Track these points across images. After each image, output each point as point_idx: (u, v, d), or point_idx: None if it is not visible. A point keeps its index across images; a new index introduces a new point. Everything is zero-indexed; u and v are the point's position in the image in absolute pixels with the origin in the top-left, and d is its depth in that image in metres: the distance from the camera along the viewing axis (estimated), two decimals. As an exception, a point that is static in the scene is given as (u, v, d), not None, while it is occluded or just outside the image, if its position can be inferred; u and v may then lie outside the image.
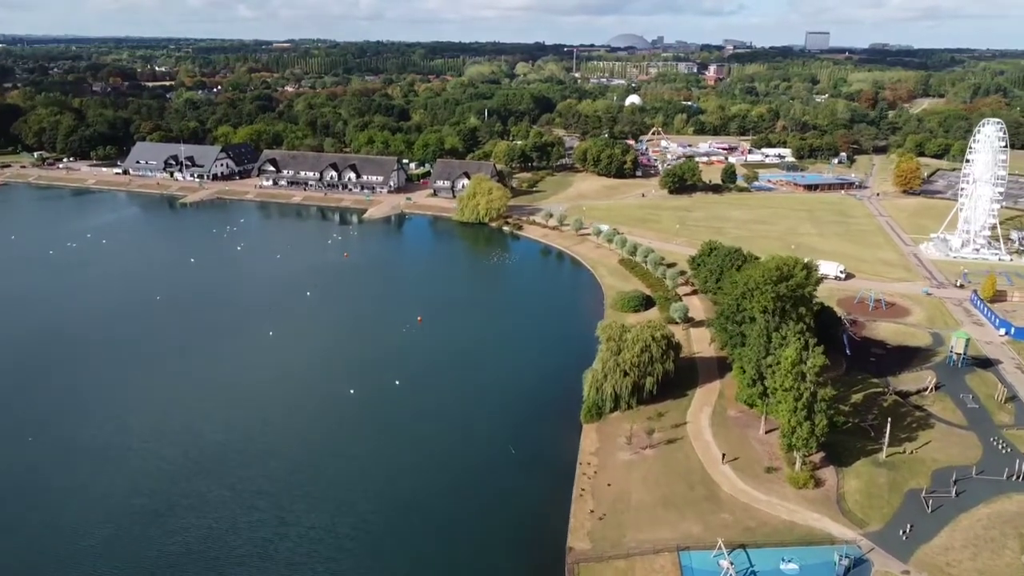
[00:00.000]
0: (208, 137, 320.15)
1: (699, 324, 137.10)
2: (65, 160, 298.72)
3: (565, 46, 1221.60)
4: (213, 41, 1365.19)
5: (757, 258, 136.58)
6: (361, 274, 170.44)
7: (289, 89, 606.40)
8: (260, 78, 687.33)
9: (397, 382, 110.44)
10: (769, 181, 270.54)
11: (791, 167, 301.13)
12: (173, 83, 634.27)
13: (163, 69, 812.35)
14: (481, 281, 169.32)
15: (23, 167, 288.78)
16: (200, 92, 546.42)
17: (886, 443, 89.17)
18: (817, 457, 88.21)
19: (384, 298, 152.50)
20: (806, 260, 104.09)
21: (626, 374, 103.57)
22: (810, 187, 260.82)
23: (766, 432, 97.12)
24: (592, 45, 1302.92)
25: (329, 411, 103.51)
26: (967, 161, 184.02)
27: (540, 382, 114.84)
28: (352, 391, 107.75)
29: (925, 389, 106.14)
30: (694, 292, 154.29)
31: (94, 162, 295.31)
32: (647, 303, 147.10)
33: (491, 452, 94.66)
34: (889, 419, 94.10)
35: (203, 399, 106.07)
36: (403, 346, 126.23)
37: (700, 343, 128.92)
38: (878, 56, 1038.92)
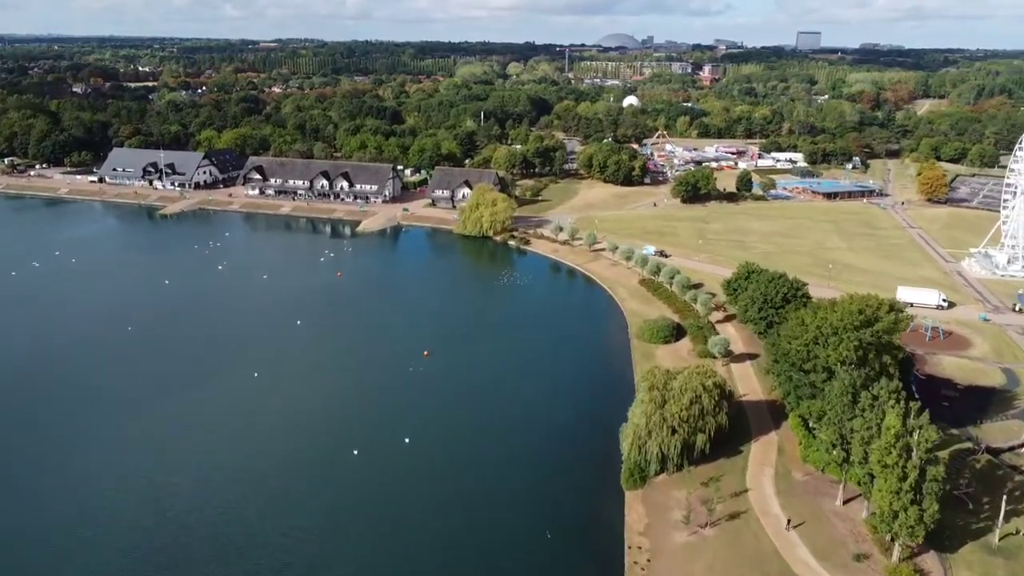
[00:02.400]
0: (191, 142, 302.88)
1: (740, 358, 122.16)
2: (37, 167, 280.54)
3: (556, 46, 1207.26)
4: (199, 40, 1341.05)
5: (804, 284, 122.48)
6: (357, 297, 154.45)
7: (276, 90, 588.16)
8: (247, 78, 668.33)
9: (407, 439, 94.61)
10: (785, 189, 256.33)
11: (805, 173, 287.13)
12: (157, 83, 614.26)
13: (147, 69, 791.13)
14: (490, 305, 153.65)
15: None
16: (184, 93, 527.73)
17: (1000, 523, 74.37)
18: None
19: (385, 327, 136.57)
20: (894, 298, 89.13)
21: (674, 431, 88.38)
22: (829, 195, 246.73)
23: (844, 503, 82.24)
24: (583, 45, 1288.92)
25: (328, 479, 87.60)
26: (1011, 171, 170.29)
27: (568, 433, 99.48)
28: (356, 452, 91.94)
29: (1021, 445, 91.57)
30: (727, 318, 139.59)
31: (68, 169, 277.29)
32: (677, 332, 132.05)
33: (518, 526, 79.39)
34: (990, 487, 79.56)
35: (172, 464, 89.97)
36: (410, 389, 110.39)
37: (745, 382, 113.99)
38: (870, 56, 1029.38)
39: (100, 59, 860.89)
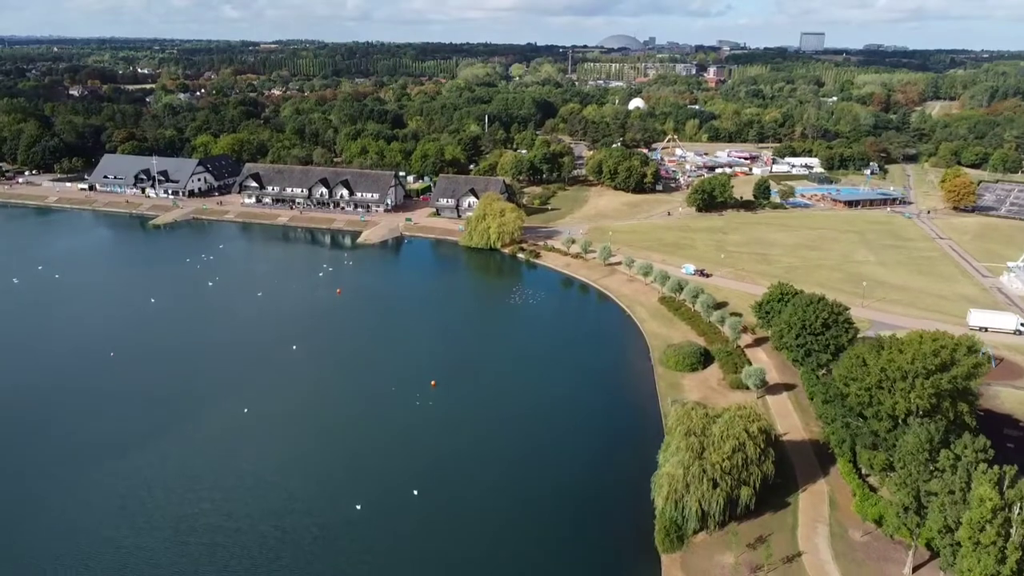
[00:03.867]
0: (186, 147, 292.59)
1: (775, 389, 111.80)
2: (26, 174, 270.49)
3: (559, 47, 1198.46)
4: (199, 42, 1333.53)
5: (845, 308, 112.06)
6: (358, 317, 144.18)
7: (276, 92, 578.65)
8: (246, 80, 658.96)
9: (415, 491, 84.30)
10: (803, 196, 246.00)
11: (822, 179, 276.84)
12: (155, 86, 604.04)
13: (146, 71, 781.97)
14: (500, 327, 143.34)
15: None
16: (183, 95, 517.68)
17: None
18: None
19: (388, 352, 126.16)
20: (971, 336, 78.65)
21: (715, 484, 78.13)
22: (850, 203, 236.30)
23: (914, 569, 71.95)
24: (585, 46, 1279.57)
25: (327, 542, 77.28)
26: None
27: (591, 481, 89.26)
28: (359, 507, 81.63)
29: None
30: (756, 341, 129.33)
31: (58, 176, 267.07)
32: (704, 358, 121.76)
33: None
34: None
35: (142, 524, 79.81)
36: (417, 427, 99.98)
37: (784, 418, 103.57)
38: (875, 57, 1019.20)
39: (99, 61, 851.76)
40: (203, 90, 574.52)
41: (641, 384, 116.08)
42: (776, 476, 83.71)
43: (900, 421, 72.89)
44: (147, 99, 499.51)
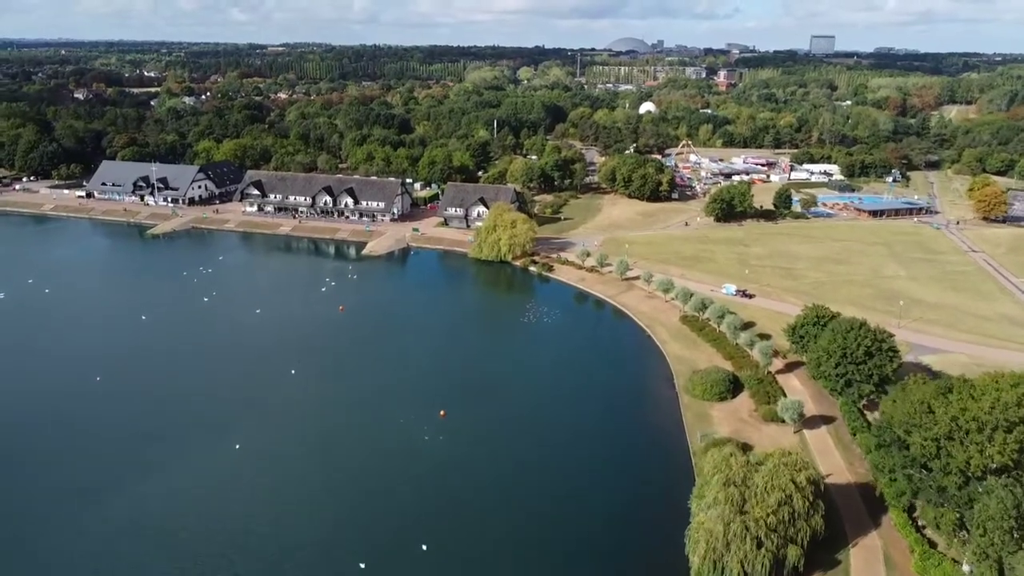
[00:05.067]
0: (188, 153, 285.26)
1: (812, 422, 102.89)
2: (24, 180, 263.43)
3: (567, 50, 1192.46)
4: (206, 45, 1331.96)
5: (889, 336, 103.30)
6: (361, 337, 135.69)
7: (282, 96, 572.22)
8: (252, 84, 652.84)
9: (424, 546, 75.80)
10: (825, 205, 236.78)
11: (843, 187, 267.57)
12: (160, 89, 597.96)
13: (152, 74, 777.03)
14: (513, 348, 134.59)
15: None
16: (188, 99, 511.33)
17: None
18: None
19: (393, 378, 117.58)
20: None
21: (760, 543, 69.45)
22: (875, 213, 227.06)
23: (989, 648, 63.05)
24: (593, 49, 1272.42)
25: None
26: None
27: (616, 529, 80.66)
28: (362, 565, 73.16)
29: None
30: (788, 366, 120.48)
31: (56, 183, 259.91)
32: (734, 386, 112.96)
33: None
34: None
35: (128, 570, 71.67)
36: (425, 469, 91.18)
37: (824, 457, 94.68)
38: (886, 60, 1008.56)
39: (106, 64, 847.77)
40: (208, 93, 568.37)
41: (666, 415, 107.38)
42: (824, 528, 75.08)
43: (969, 478, 64.17)
44: (152, 102, 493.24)
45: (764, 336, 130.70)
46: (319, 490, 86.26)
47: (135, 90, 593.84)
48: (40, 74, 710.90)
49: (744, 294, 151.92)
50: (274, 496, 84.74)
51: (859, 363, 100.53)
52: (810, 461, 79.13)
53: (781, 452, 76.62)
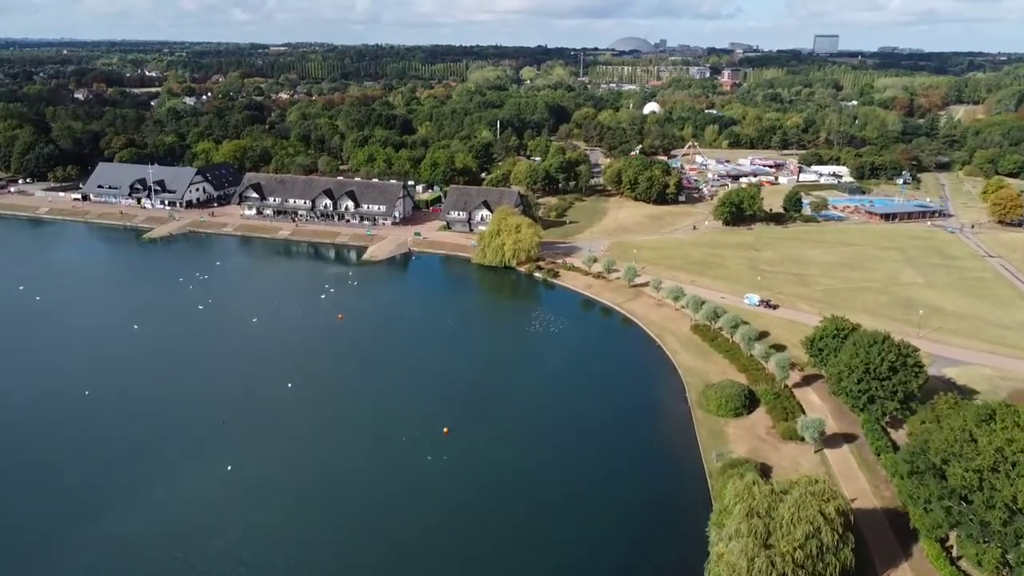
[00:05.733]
0: (187, 154, 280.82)
1: (834, 440, 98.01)
2: (20, 182, 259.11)
3: (569, 49, 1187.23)
4: (208, 45, 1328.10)
5: (915, 350, 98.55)
6: (361, 348, 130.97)
7: (284, 96, 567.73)
8: (254, 84, 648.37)
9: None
10: (834, 208, 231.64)
11: (853, 189, 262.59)
12: (161, 89, 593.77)
13: (153, 74, 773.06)
14: (518, 360, 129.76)
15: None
16: (189, 99, 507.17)
17: None
18: None
19: (394, 392, 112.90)
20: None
21: (787, 581, 64.67)
22: (887, 216, 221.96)
23: None
24: (596, 48, 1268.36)
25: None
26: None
27: (630, 557, 75.86)
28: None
29: None
30: (805, 379, 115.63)
31: (52, 185, 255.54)
32: (749, 400, 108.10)
33: None
34: None
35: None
36: (429, 494, 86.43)
37: (848, 479, 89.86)
38: (891, 60, 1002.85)
39: (107, 63, 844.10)
40: (209, 94, 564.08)
41: (679, 432, 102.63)
42: (854, 562, 70.25)
43: (1020, 512, 59.39)
44: (152, 103, 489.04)
45: (779, 347, 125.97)
46: (314, 517, 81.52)
47: (136, 90, 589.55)
48: (41, 74, 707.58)
49: (768, 304, 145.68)
50: (266, 524, 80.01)
51: (883, 379, 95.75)
52: (838, 490, 74.06)
53: (808, 480, 71.82)
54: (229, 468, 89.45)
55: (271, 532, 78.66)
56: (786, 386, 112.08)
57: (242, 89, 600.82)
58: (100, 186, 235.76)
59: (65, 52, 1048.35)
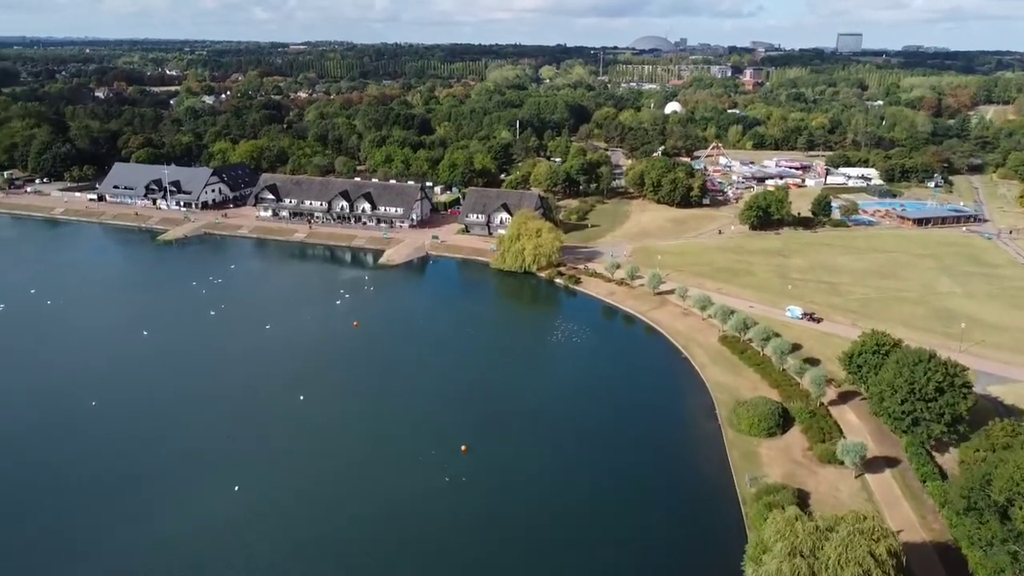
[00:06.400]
0: (203, 154, 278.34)
1: (875, 464, 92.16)
2: (37, 182, 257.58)
3: (589, 48, 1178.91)
4: (229, 43, 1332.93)
5: (963, 369, 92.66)
6: (376, 358, 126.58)
7: (302, 95, 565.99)
8: (273, 83, 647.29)
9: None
10: (864, 212, 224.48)
11: (883, 192, 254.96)
12: (180, 88, 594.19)
13: (174, 72, 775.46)
14: (539, 371, 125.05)
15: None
16: (208, 98, 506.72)
17: None
18: None
19: (409, 405, 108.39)
20: None
21: (834, 629, 59.34)
22: (919, 221, 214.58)
23: None
24: (616, 47, 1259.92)
25: None
26: None
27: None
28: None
29: None
30: (841, 396, 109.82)
31: (68, 185, 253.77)
32: (783, 419, 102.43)
33: None
34: None
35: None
36: (445, 515, 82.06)
37: (893, 509, 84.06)
38: (916, 59, 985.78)
39: (128, 62, 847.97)
40: (228, 92, 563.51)
41: (709, 452, 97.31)
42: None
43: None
44: (171, 101, 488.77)
45: (812, 361, 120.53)
46: (322, 547, 77.05)
47: (156, 89, 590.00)
48: (64, 73, 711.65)
49: (811, 318, 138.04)
50: (272, 551, 75.68)
51: (928, 400, 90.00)
52: (888, 527, 68.40)
53: (855, 516, 66.31)
54: (236, 489, 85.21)
55: (277, 561, 74.28)
56: (822, 404, 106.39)
57: (261, 88, 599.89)
58: (116, 186, 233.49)
59: (87, 51, 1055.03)
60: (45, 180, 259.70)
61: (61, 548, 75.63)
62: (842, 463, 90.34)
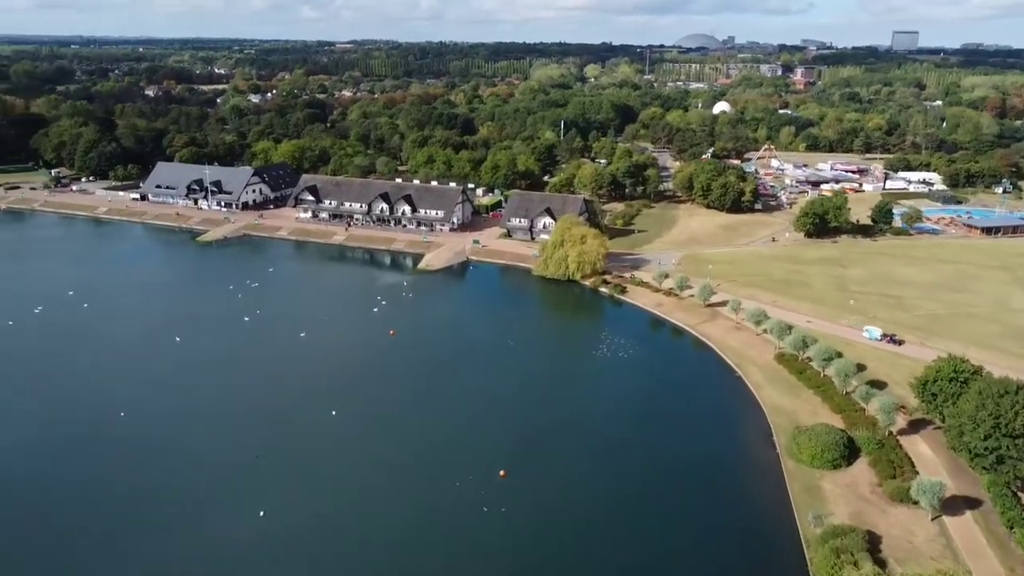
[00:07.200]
0: (246, 153, 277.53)
1: (954, 505, 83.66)
2: (82, 181, 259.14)
3: (635, 47, 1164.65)
4: (276, 42, 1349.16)
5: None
6: (412, 370, 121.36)
7: (347, 94, 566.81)
8: (318, 81, 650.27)
9: None
10: (927, 219, 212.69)
11: (947, 199, 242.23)
12: (227, 86, 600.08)
13: (222, 71, 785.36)
14: (583, 389, 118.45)
15: (33, 188, 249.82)
16: (254, 97, 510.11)
17: None
18: None
19: (446, 423, 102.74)
20: None
21: None
22: (988, 230, 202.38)
23: None
24: (662, 45, 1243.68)
25: None
26: None
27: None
28: None
29: None
30: (910, 425, 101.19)
31: (113, 184, 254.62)
32: (849, 449, 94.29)
33: None
34: None
35: None
36: (482, 551, 76.29)
37: (976, 559, 75.71)
38: (976, 57, 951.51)
39: (179, 61, 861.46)
40: (274, 91, 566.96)
41: (767, 485, 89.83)
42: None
43: None
44: (218, 100, 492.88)
45: (877, 383, 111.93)
46: (352, 579, 71.99)
47: (204, 88, 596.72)
48: (116, 71, 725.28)
49: (892, 340, 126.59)
50: (298, 586, 70.82)
51: (1016, 437, 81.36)
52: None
53: (937, 573, 58.56)
54: (262, 514, 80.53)
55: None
56: (891, 433, 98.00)
57: (306, 87, 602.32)
58: (158, 186, 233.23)
59: (140, 50, 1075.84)
60: (91, 179, 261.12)
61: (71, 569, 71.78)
62: (916, 503, 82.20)
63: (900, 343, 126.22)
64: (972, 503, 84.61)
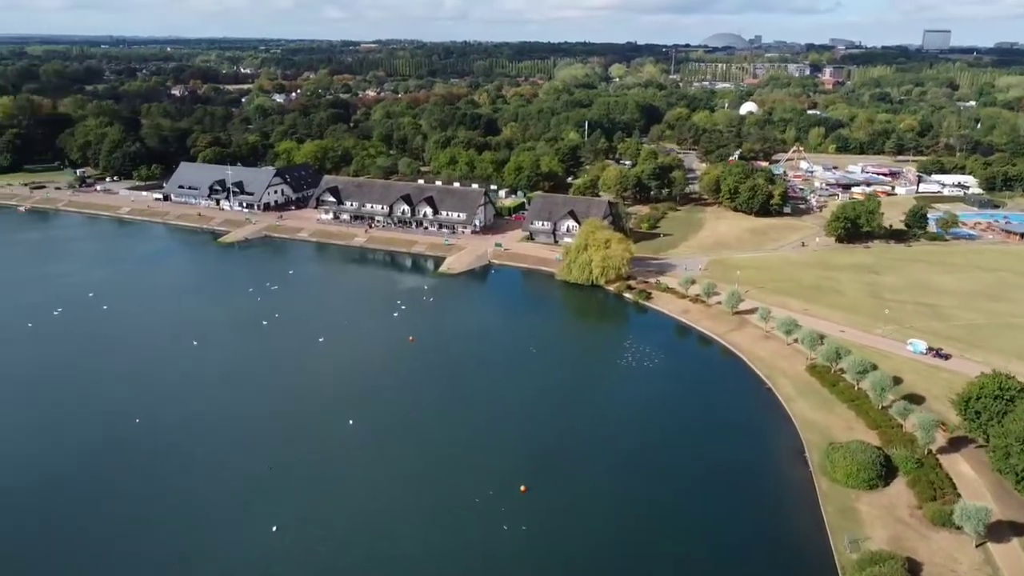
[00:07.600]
0: (269, 153, 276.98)
1: (998, 531, 79.14)
2: (107, 180, 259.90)
3: (660, 46, 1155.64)
4: (302, 42, 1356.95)
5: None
6: (432, 377, 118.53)
7: (371, 94, 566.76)
8: (342, 81, 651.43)
9: None
10: (963, 224, 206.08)
11: (983, 203, 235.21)
12: (252, 86, 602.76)
13: (248, 71, 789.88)
14: (607, 399, 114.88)
15: (57, 188, 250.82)
16: (279, 96, 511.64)
17: None
18: None
19: (465, 434, 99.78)
20: None
21: None
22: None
23: None
24: (687, 45, 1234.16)
25: None
26: None
27: None
28: None
29: None
30: (950, 443, 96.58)
31: (136, 183, 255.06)
32: (886, 468, 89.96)
33: None
34: None
35: None
36: (502, 570, 73.34)
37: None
38: (1011, 56, 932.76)
39: (206, 60, 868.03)
40: (298, 91, 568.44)
41: (799, 505, 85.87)
42: None
43: None
44: (242, 99, 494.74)
45: (914, 398, 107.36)
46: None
47: (229, 87, 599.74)
48: (144, 71, 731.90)
49: (938, 354, 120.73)
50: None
51: (1067, 460, 76.72)
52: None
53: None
54: (275, 529, 78.11)
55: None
56: (930, 452, 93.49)
57: (330, 87, 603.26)
58: (180, 186, 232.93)
59: (168, 50, 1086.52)
60: (115, 178, 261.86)
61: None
62: (959, 528, 77.87)
63: (947, 357, 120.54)
64: (1019, 529, 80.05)
